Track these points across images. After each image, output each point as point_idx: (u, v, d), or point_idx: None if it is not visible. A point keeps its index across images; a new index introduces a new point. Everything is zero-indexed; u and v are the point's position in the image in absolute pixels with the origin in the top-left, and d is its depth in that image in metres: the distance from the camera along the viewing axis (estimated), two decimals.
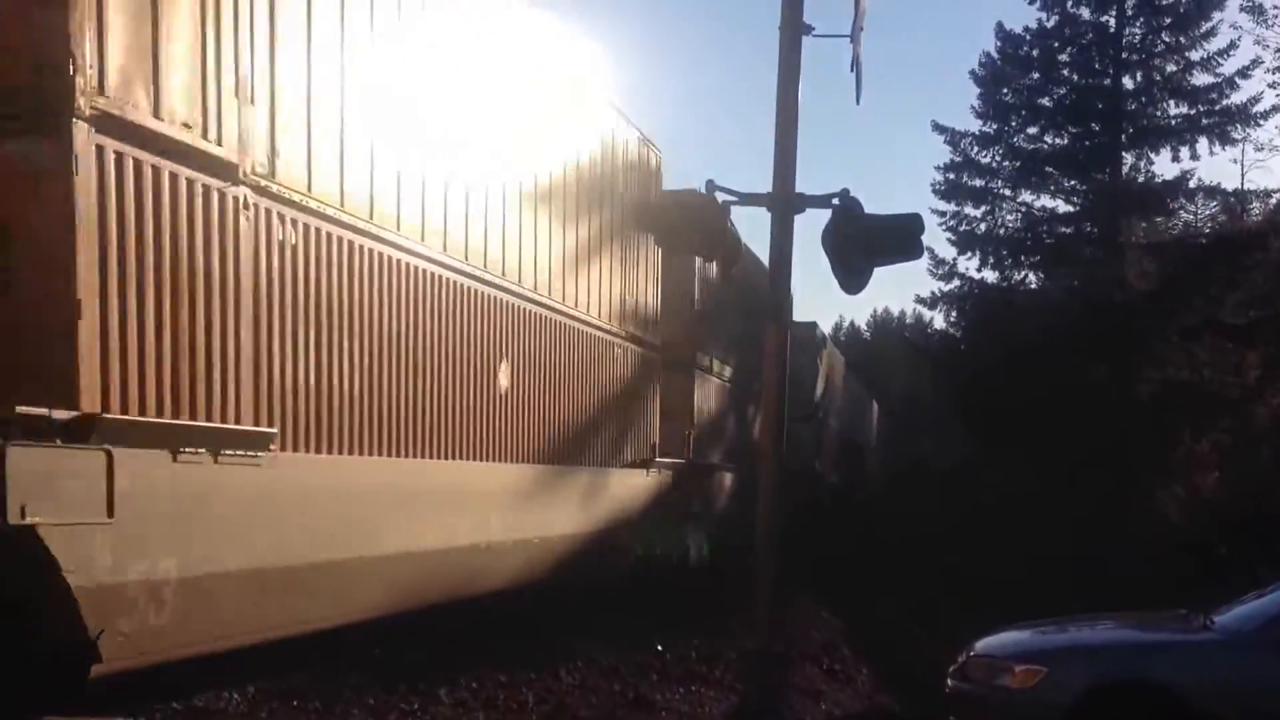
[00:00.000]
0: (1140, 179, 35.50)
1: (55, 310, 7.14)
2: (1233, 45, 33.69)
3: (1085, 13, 35.11)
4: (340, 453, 9.60)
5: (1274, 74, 29.57)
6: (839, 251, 8.38)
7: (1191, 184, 34.71)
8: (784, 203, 8.53)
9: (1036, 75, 35.89)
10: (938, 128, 36.62)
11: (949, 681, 9.73)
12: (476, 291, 11.95)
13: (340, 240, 9.63)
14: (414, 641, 10.45)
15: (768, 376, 8.58)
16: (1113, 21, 34.94)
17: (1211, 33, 33.89)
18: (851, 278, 8.43)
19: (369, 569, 9.69)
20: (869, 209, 8.43)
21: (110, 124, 7.36)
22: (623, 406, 16.55)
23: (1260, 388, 30.05)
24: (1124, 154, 35.34)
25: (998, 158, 36.41)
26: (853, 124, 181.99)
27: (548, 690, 10.68)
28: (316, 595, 9.09)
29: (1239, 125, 33.85)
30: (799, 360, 31.30)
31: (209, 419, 8.14)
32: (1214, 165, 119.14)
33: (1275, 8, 33.80)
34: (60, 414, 6.86)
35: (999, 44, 35.90)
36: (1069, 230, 36.46)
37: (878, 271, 8.26)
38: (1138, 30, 35.02)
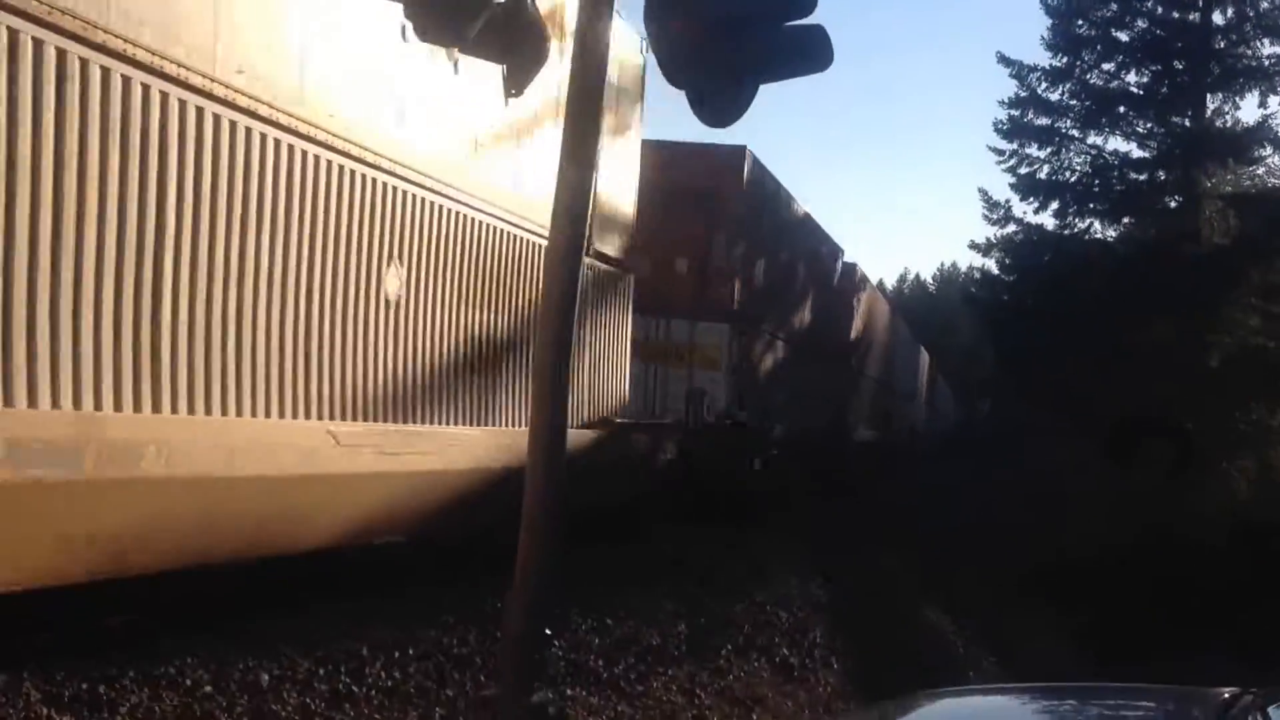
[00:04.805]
0: (1224, 124, 32.31)
1: None
2: None
3: None
4: None
5: None
6: (676, 46, 4.71)
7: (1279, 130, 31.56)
8: None
9: (1115, 6, 32.71)
10: (1003, 59, 33.57)
11: None
12: None
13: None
14: None
15: (550, 284, 4.67)
16: None
17: None
18: (719, 95, 4.84)
19: None
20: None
21: None
22: None
23: None
24: (1208, 96, 32.13)
25: (1067, 95, 33.34)
26: (905, 51, 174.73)
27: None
28: None
29: None
30: (835, 298, 28.87)
31: None
32: None
33: None
34: None
35: None
36: (1141, 177, 33.35)
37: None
38: None
